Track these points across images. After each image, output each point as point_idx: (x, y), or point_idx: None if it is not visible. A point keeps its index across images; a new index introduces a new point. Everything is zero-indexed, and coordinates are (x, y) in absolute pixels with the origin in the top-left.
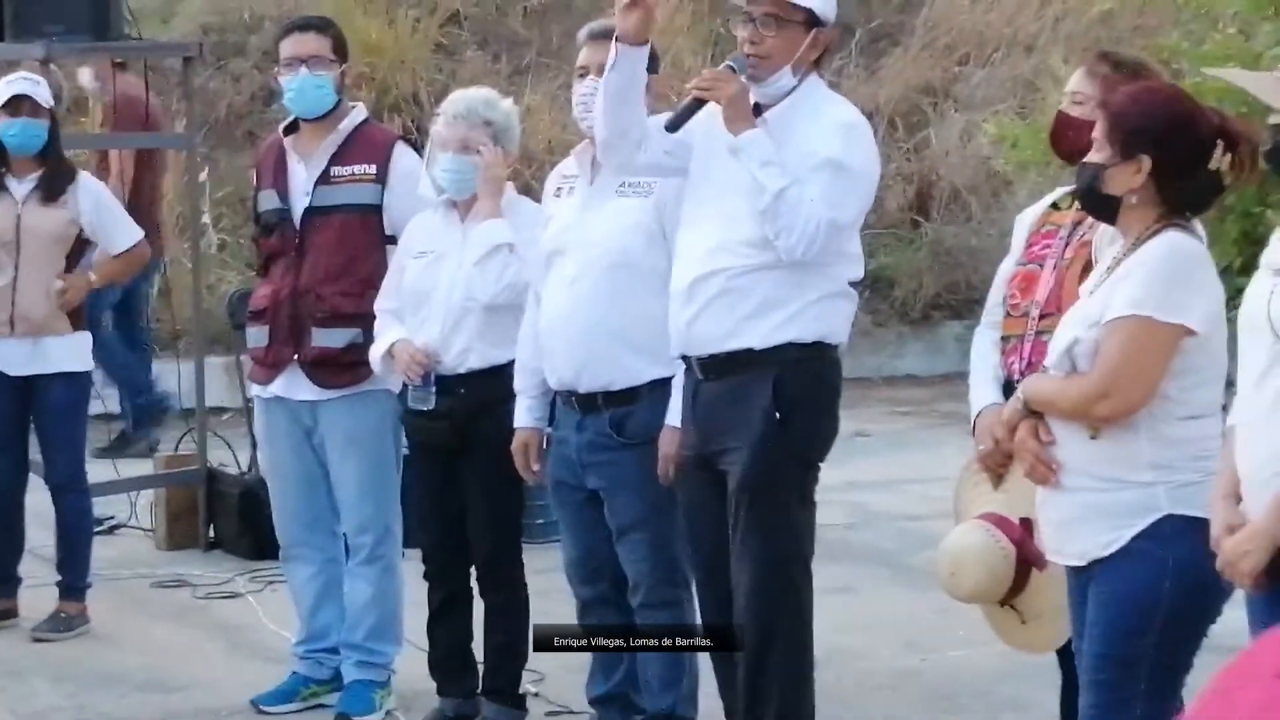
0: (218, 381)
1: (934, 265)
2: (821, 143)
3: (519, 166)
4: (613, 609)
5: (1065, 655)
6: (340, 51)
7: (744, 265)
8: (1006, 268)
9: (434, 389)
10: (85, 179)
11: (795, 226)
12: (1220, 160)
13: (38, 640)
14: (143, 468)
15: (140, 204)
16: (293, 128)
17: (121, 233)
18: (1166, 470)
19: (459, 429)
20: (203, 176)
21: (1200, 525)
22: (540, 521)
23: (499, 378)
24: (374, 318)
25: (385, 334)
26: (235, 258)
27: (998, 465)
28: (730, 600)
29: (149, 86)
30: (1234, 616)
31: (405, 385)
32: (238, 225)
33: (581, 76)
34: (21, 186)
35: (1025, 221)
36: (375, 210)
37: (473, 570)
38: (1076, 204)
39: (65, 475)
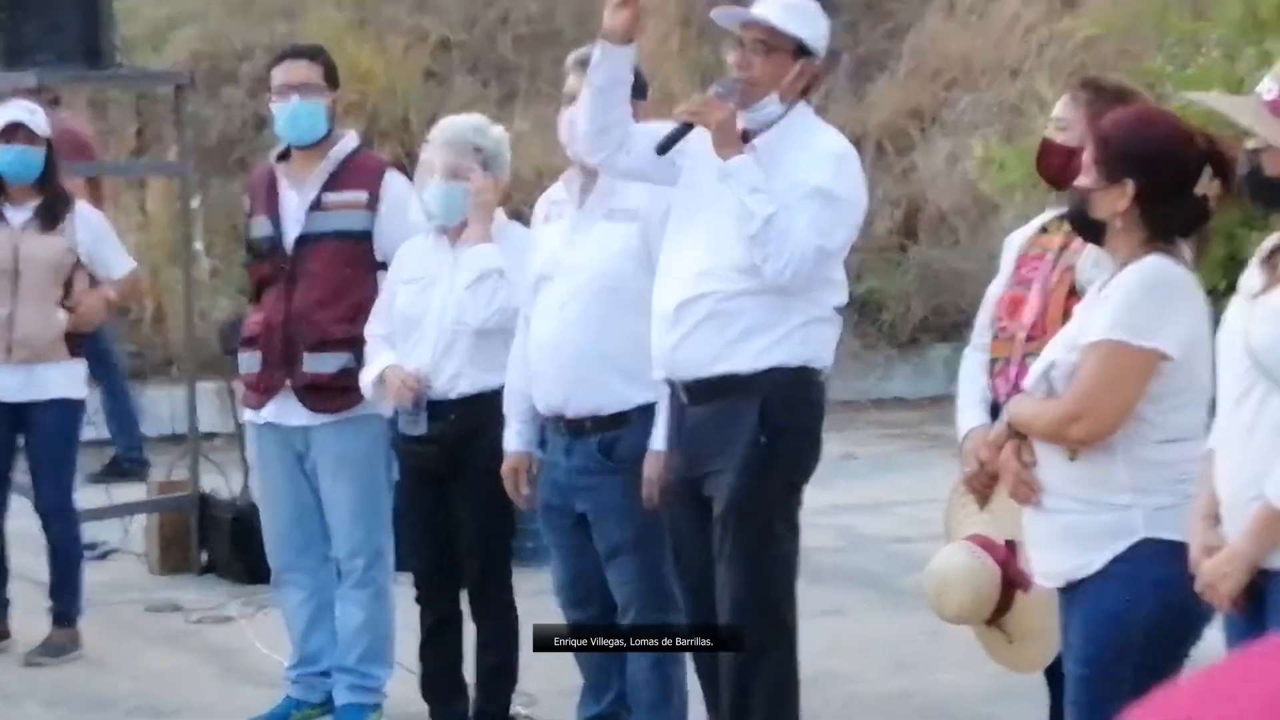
0: (210, 407)
1: (922, 288)
2: (811, 171)
3: (509, 191)
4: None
5: (1053, 675)
6: (331, 79)
7: (731, 289)
8: (995, 290)
9: (425, 414)
10: (82, 207)
11: (783, 253)
12: (1208, 185)
13: (30, 665)
14: (135, 493)
15: None
16: (284, 155)
17: (117, 261)
18: (1144, 493)
19: (450, 453)
20: (195, 203)
21: (1178, 548)
22: (531, 545)
23: (489, 402)
24: (365, 343)
25: (376, 359)
26: (227, 284)
27: (983, 487)
28: (717, 623)
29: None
30: (1216, 638)
31: (396, 410)
32: (229, 252)
33: (570, 103)
34: (19, 214)
35: (1014, 244)
36: (366, 237)
37: (463, 594)
38: (1065, 227)
39: (54, 503)
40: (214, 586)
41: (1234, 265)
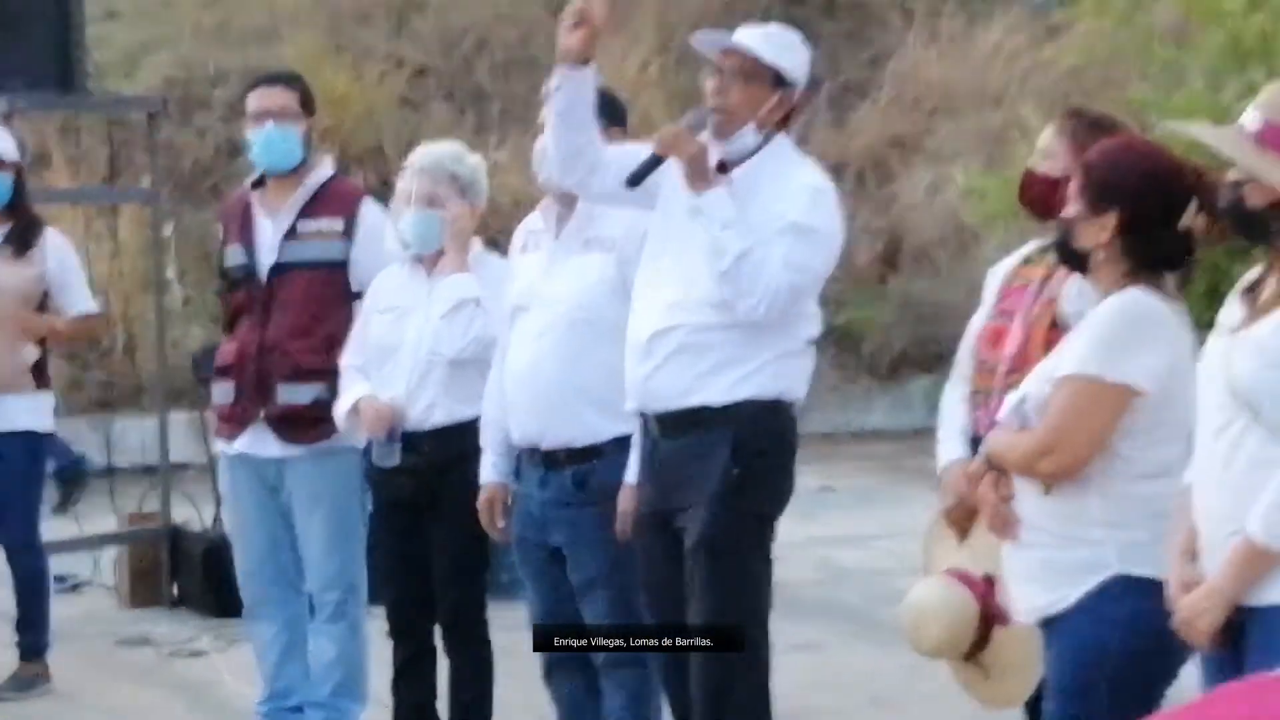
0: (182, 437)
1: (902, 319)
2: (788, 205)
3: (486, 219)
4: (577, 666)
5: (1033, 711)
6: (307, 105)
7: (703, 322)
8: (977, 322)
9: (399, 445)
10: (52, 234)
11: (756, 290)
12: (1194, 218)
13: None
14: (106, 525)
15: None
16: (259, 182)
17: (80, 296)
18: (1117, 528)
19: (424, 485)
20: (167, 231)
21: (1153, 585)
22: (506, 578)
23: (464, 433)
24: (340, 374)
25: (350, 390)
26: (200, 313)
27: (962, 520)
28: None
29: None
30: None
31: (370, 441)
32: (202, 280)
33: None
34: None
35: (997, 275)
36: (342, 266)
37: (437, 628)
38: (1049, 258)
39: (18, 536)
40: (185, 620)
41: (1217, 297)
